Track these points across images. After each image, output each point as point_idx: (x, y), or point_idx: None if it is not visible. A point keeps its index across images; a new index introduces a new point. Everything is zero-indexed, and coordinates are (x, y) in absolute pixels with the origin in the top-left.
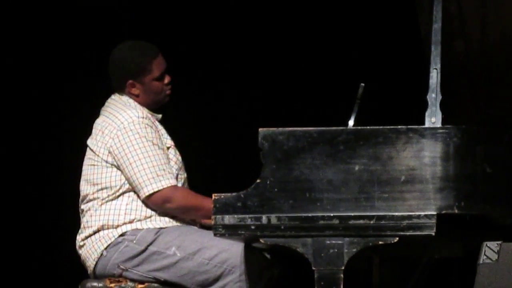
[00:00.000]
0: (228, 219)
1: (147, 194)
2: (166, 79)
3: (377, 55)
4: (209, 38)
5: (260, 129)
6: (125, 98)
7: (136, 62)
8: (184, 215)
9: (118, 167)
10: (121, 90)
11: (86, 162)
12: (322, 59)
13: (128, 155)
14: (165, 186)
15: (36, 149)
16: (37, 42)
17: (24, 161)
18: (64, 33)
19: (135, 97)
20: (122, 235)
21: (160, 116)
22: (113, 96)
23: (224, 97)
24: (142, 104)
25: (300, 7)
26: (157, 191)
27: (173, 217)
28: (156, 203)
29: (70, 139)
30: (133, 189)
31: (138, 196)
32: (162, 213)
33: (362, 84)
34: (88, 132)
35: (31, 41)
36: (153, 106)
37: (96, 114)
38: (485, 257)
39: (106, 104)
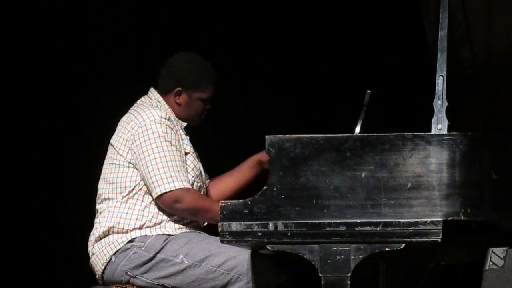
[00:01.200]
0: (235, 226)
1: (159, 193)
2: (208, 105)
3: (383, 62)
4: (216, 45)
5: (267, 136)
6: (156, 98)
7: (197, 75)
8: (193, 217)
9: (134, 166)
10: (164, 92)
11: (107, 161)
12: (328, 66)
13: (145, 153)
14: (177, 188)
15: (52, 151)
16: (57, 41)
17: (37, 163)
18: (82, 33)
19: (176, 105)
20: (131, 241)
21: (185, 124)
22: (142, 98)
23: (231, 104)
24: (177, 114)
25: (308, 15)
26: (169, 191)
27: (183, 224)
28: (167, 203)
29: (88, 140)
30: (146, 192)
31: (150, 202)
32: (172, 220)
33: (369, 91)
34: (106, 131)
35: (52, 40)
36: (184, 121)
37: (116, 113)
38: (491, 263)
39: (135, 104)
